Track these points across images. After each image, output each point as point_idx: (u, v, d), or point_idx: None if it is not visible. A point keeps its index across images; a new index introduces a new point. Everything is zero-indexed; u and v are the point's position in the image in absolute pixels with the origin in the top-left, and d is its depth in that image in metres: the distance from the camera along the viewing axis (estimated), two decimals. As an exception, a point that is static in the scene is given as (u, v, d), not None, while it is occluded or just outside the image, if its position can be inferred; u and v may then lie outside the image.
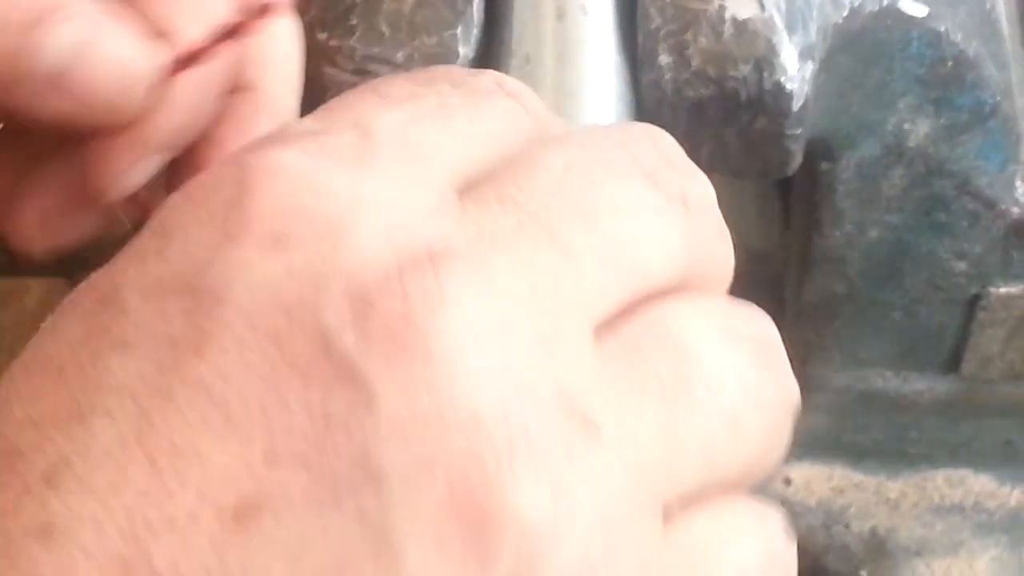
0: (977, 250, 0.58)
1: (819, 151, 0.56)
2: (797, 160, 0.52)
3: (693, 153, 0.50)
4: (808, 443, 0.65)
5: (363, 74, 0.50)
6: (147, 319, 0.35)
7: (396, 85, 0.40)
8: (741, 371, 0.38)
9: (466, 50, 0.51)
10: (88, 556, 0.34)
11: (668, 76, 0.50)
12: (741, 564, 0.39)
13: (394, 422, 0.34)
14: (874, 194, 0.57)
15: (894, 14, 0.54)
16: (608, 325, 0.37)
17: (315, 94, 0.50)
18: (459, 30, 0.51)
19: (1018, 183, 0.57)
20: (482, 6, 0.51)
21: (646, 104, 0.50)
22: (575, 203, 0.37)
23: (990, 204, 0.57)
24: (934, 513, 0.67)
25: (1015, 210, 0.57)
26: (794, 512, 0.67)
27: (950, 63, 0.55)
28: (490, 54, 0.51)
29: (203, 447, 0.34)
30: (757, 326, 0.39)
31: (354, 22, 0.50)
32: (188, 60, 0.47)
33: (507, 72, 0.50)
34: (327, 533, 0.34)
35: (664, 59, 0.50)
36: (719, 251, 0.40)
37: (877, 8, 0.53)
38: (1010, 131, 0.57)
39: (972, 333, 0.61)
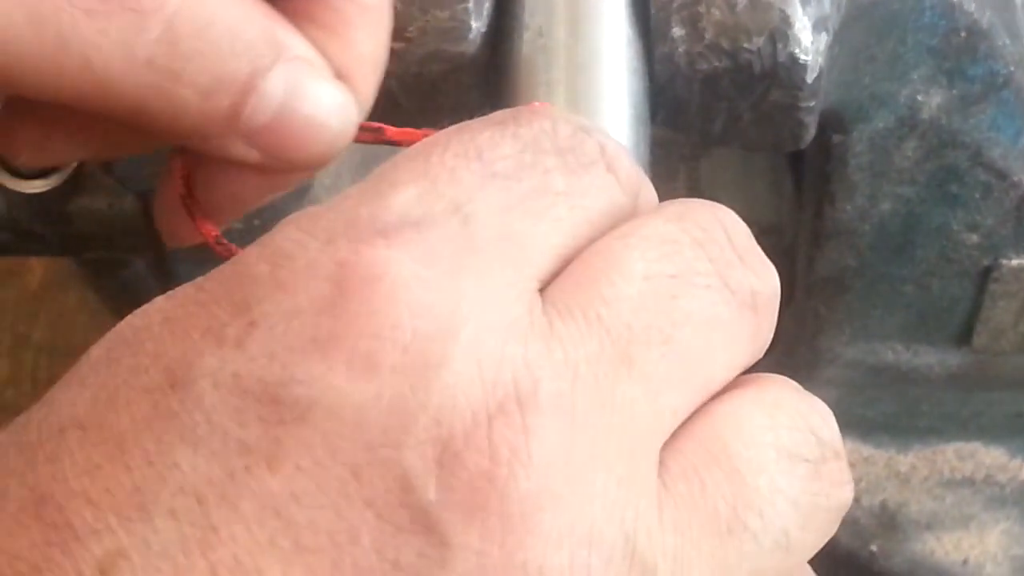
0: (989, 222, 0.58)
1: (831, 123, 0.55)
2: (811, 133, 0.52)
3: (706, 126, 0.50)
4: (819, 417, 0.66)
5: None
6: (221, 418, 0.34)
7: (502, 153, 0.39)
8: (796, 496, 0.38)
9: (478, 24, 0.50)
10: None
11: (681, 49, 0.50)
12: None
13: None
14: (886, 166, 0.57)
15: (908, -16, 0.54)
16: (671, 441, 0.37)
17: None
18: (471, 3, 0.50)
19: (1031, 153, 0.57)
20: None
21: (659, 77, 0.50)
22: (654, 324, 0.37)
23: (1003, 175, 0.57)
24: (944, 487, 0.67)
25: (1027, 178, 0.57)
26: None
27: (963, 33, 0.54)
28: (502, 27, 0.51)
29: (267, 569, 0.34)
30: (814, 428, 0.39)
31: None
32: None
33: (520, 45, 0.50)
34: None
35: (677, 31, 0.50)
36: (771, 334, 0.40)
37: (891, -22, 0.53)
38: (1023, 102, 0.57)
39: (984, 306, 0.61)
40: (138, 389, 0.36)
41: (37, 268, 1.37)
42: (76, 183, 0.65)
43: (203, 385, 0.35)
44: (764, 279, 0.40)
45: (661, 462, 0.36)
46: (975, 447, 0.68)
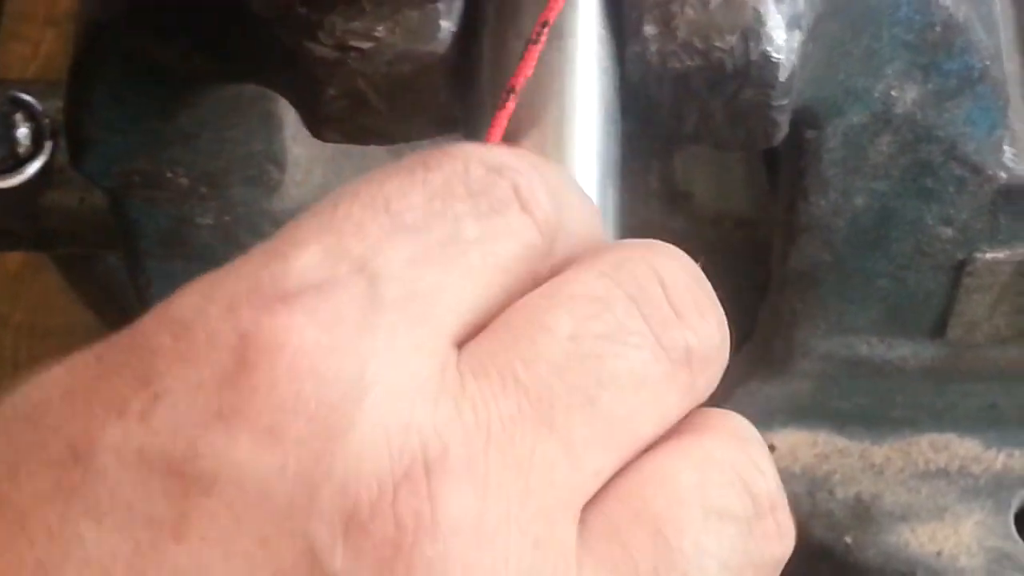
0: (964, 216, 0.58)
1: (805, 119, 0.55)
2: (783, 131, 0.52)
3: (677, 125, 0.50)
4: (792, 410, 0.66)
5: (343, 49, 0.50)
6: (125, 492, 0.34)
7: (410, 203, 0.38)
8: (726, 557, 0.37)
9: (448, 23, 0.50)
10: None
11: (653, 48, 0.50)
12: None
13: None
14: (860, 161, 0.57)
15: (883, -22, 0.54)
16: (595, 500, 0.36)
17: (298, 69, 0.50)
18: (441, 4, 0.50)
19: (1006, 148, 0.57)
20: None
21: (631, 77, 0.50)
22: (578, 385, 0.36)
23: (977, 170, 0.57)
24: (919, 478, 0.67)
25: (1002, 175, 0.57)
26: (781, 477, 0.67)
27: (939, 28, 0.54)
28: (473, 28, 0.50)
29: None
30: (748, 482, 0.39)
31: (336, -7, 0.49)
32: None
33: (491, 47, 0.49)
34: None
35: (649, 30, 0.50)
36: (714, 386, 0.40)
37: (866, -27, 0.53)
38: (998, 96, 0.57)
39: (958, 299, 0.61)
40: (39, 463, 0.35)
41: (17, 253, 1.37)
42: (46, 179, 0.65)
43: (106, 459, 0.34)
44: (702, 334, 0.39)
45: (583, 521, 0.36)
46: (949, 438, 0.68)
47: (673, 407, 0.38)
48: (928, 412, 0.67)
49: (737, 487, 0.38)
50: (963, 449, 0.67)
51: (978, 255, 0.59)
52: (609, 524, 0.36)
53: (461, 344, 0.37)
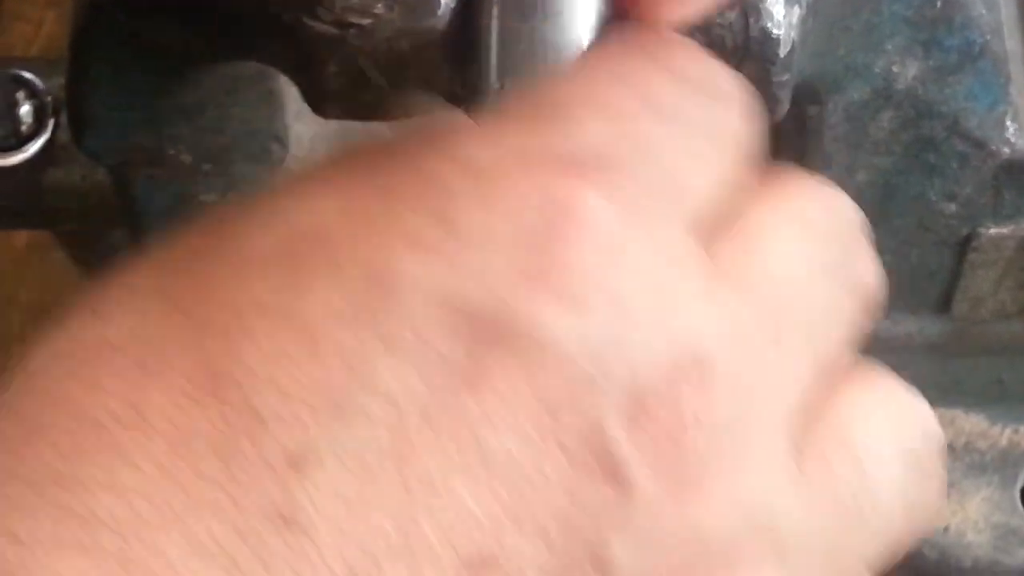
0: (967, 191, 0.58)
1: (806, 95, 0.55)
2: (785, 106, 0.52)
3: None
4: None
5: (342, 26, 0.50)
6: (428, 331, 0.34)
7: (664, 89, 0.40)
8: (907, 490, 0.41)
9: (447, 1, 0.50)
10: (324, 563, 0.33)
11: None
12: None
13: (641, 533, 0.35)
14: (862, 137, 0.57)
15: (882, -47, 0.54)
16: (804, 422, 0.39)
17: (298, 46, 0.50)
18: (435, -16, 0.50)
19: (1008, 123, 0.57)
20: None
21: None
22: (801, 310, 0.39)
23: (980, 145, 0.57)
24: (924, 453, 0.67)
25: (1005, 150, 0.57)
26: None
27: (939, 3, 0.54)
28: (474, 4, 0.50)
29: (458, 489, 0.34)
30: (921, 422, 0.43)
31: (331, -28, 0.49)
32: None
33: (491, 21, 0.49)
34: None
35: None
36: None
37: (865, -52, 0.53)
38: (1000, 71, 0.57)
39: (963, 274, 0.61)
40: (331, 280, 0.35)
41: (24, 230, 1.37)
42: (49, 157, 0.65)
43: (407, 291, 0.34)
44: (869, 268, 0.42)
45: (794, 438, 0.38)
46: (955, 414, 0.68)
47: (856, 336, 0.41)
48: (934, 388, 0.67)
49: (918, 433, 0.42)
50: (969, 425, 0.67)
51: (982, 230, 0.59)
52: (817, 447, 0.39)
53: (703, 235, 0.38)
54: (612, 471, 0.34)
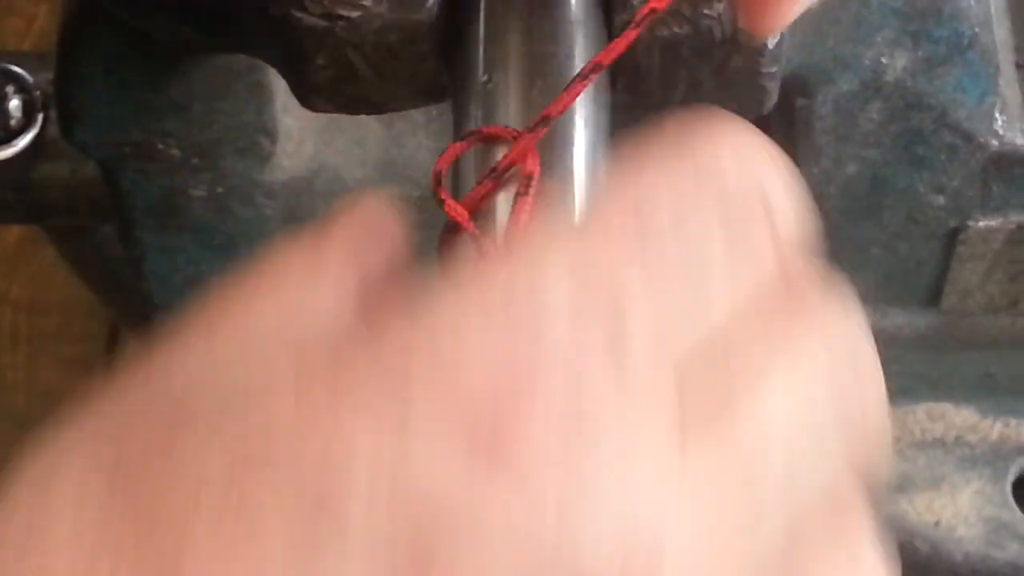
0: (956, 184, 0.58)
1: (795, 87, 0.56)
2: (773, 98, 0.52)
3: (667, 93, 0.50)
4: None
5: (331, 18, 0.50)
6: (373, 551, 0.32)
7: (656, 220, 0.35)
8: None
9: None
10: None
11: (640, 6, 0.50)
12: None
13: None
14: (851, 129, 0.57)
15: (871, -54, 0.54)
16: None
17: (286, 39, 0.50)
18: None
19: (997, 115, 0.57)
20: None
21: (614, 38, 0.50)
22: (779, 469, 0.35)
23: (968, 137, 0.57)
24: (916, 448, 0.67)
25: (994, 143, 0.57)
26: None
27: (928, -6, 0.55)
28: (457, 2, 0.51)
29: None
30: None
31: (321, -36, 0.50)
32: None
33: (478, 14, 0.50)
34: None
35: (637, -2, 0.50)
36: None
37: (854, -60, 0.53)
38: (989, 63, 0.57)
39: (952, 267, 0.61)
40: (287, 495, 0.33)
41: (15, 227, 1.37)
42: (38, 151, 0.65)
43: (352, 519, 0.33)
44: (877, 401, 0.37)
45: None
46: (945, 408, 0.68)
47: (847, 488, 0.37)
48: (924, 381, 0.67)
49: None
50: (959, 418, 0.67)
51: (970, 223, 0.59)
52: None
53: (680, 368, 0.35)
54: None
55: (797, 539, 0.35)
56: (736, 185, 0.36)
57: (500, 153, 0.45)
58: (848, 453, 0.37)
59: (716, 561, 0.34)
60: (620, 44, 0.45)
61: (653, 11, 0.45)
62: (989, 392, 0.66)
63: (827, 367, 0.37)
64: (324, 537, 0.33)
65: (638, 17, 0.45)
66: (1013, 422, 0.66)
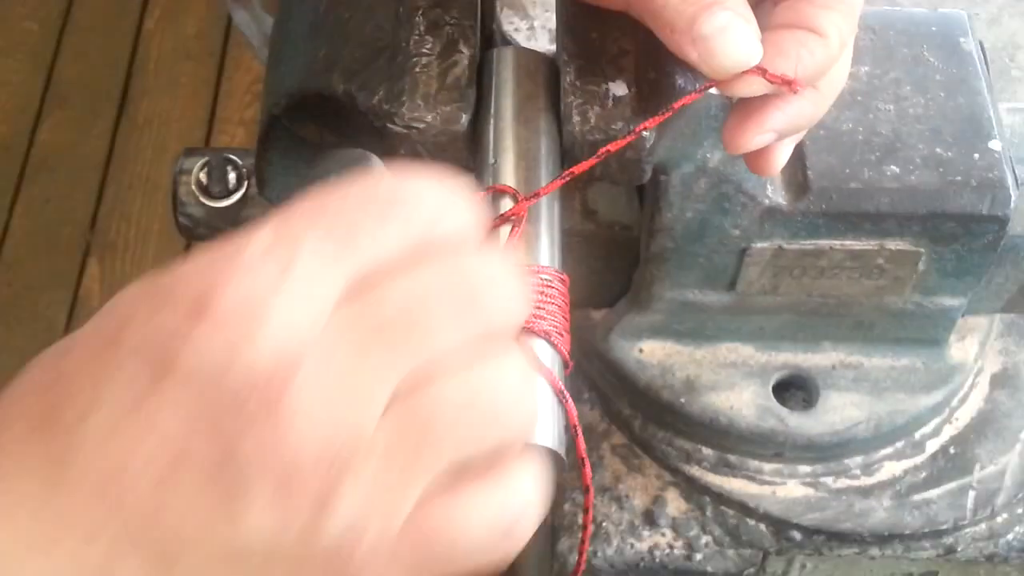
0: (745, 223, 0.58)
1: (660, 169, 0.55)
2: (648, 175, 0.52)
3: (591, 171, 0.49)
4: (652, 330, 0.65)
5: (408, 128, 0.49)
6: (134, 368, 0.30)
7: (335, 209, 0.32)
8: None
9: (466, 115, 0.50)
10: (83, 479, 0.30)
11: (577, 128, 0.50)
12: None
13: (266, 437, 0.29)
14: (689, 192, 0.57)
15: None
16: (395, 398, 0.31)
17: (383, 139, 0.50)
18: (464, 103, 0.50)
19: (768, 185, 0.57)
20: (476, 89, 0.51)
21: (566, 143, 0.50)
22: (402, 319, 0.31)
23: (752, 198, 0.57)
24: (720, 367, 0.67)
25: (766, 201, 0.57)
26: (643, 366, 0.67)
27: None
28: (479, 116, 0.51)
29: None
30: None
31: (404, 98, 0.49)
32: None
33: (487, 126, 0.49)
34: None
35: (576, 118, 0.50)
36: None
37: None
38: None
39: (741, 269, 0.61)
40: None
41: None
42: (244, 202, 0.65)
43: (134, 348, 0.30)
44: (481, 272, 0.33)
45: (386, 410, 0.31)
46: (738, 346, 0.67)
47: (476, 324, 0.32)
48: (725, 331, 0.67)
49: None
50: (745, 352, 0.67)
51: (753, 246, 0.59)
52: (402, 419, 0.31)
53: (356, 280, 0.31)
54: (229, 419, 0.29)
55: (435, 363, 0.31)
56: (394, 194, 0.33)
57: (502, 202, 0.45)
58: (465, 312, 0.32)
59: (352, 363, 0.30)
60: (586, 164, 0.46)
61: (608, 151, 0.46)
62: (761, 338, 0.66)
63: (442, 267, 0.32)
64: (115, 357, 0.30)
65: (599, 152, 0.45)
66: (774, 354, 0.66)
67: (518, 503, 0.32)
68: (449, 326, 0.31)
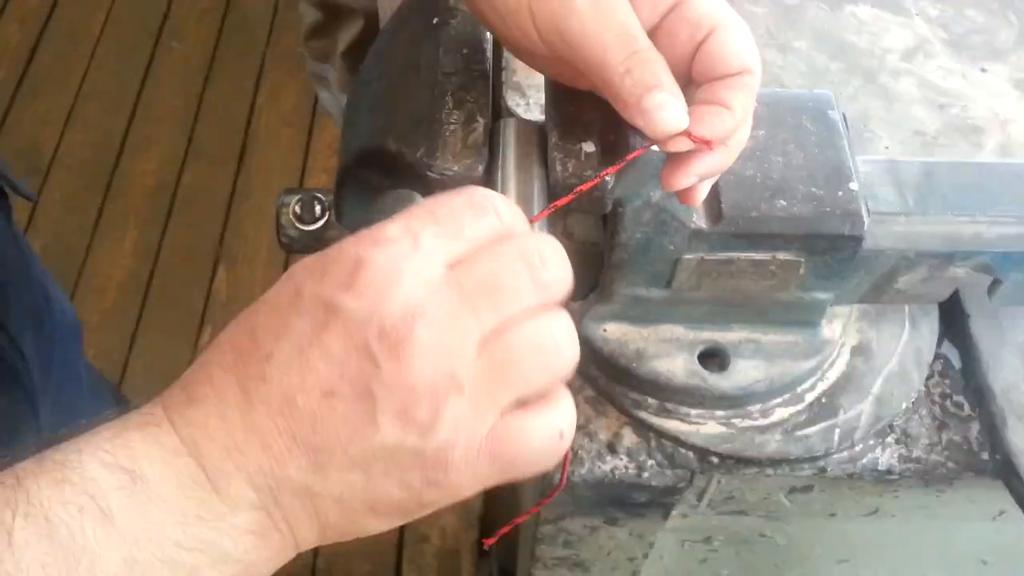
0: (678, 241, 0.57)
1: (617, 203, 0.55)
2: (608, 207, 0.52)
3: (570, 205, 0.49)
4: (613, 316, 0.65)
5: (441, 174, 0.49)
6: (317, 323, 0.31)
7: (444, 211, 0.33)
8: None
9: (482, 165, 0.50)
10: (270, 418, 0.30)
11: (559, 175, 0.49)
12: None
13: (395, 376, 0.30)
14: (639, 219, 0.56)
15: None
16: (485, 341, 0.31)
17: (425, 182, 0.49)
18: (479, 157, 0.50)
19: (694, 213, 0.56)
20: (488, 148, 0.50)
21: (552, 187, 0.49)
22: (489, 287, 0.32)
23: (683, 223, 0.56)
24: (661, 342, 0.66)
25: (693, 225, 0.57)
26: (606, 341, 0.66)
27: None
28: (491, 164, 0.50)
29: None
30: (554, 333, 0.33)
31: (438, 154, 0.49)
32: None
33: (497, 172, 0.49)
34: None
35: (558, 167, 0.49)
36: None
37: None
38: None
39: (676, 273, 0.60)
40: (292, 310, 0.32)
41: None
42: (327, 226, 0.64)
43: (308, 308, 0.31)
44: (551, 271, 0.34)
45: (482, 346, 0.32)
46: (674, 327, 0.66)
47: (543, 297, 0.34)
48: (664, 315, 0.66)
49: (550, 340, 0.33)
50: (680, 331, 0.66)
51: (685, 256, 0.58)
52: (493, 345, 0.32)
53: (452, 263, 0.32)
54: (369, 349, 0.29)
55: (512, 318, 0.32)
56: (480, 203, 0.34)
57: None
58: (532, 283, 0.32)
59: (456, 314, 0.30)
60: (565, 200, 0.45)
61: (580, 191, 0.45)
62: (689, 320, 0.65)
63: (515, 250, 0.33)
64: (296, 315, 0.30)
65: (575, 191, 0.45)
66: (699, 333, 0.65)
67: (564, 420, 0.33)
68: (523, 289, 0.32)
